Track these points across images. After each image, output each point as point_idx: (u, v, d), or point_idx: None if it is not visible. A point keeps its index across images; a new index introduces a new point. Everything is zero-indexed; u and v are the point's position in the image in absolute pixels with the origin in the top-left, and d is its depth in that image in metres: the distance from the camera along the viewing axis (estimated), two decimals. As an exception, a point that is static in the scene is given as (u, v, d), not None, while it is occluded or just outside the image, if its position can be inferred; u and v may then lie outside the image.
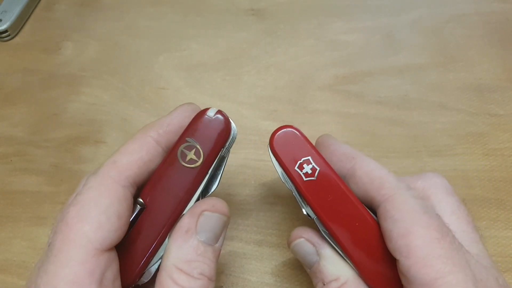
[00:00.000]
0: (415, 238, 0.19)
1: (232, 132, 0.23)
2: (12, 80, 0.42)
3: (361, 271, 0.21)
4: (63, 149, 0.37)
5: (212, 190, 0.23)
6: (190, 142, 0.22)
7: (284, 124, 0.23)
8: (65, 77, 0.42)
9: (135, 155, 0.21)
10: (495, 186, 0.32)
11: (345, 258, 0.22)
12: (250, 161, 0.34)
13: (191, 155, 0.22)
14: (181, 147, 0.22)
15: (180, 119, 0.23)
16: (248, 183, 0.33)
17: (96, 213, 0.19)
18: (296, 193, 0.23)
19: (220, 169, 0.23)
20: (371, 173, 0.22)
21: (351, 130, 0.35)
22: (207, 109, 0.23)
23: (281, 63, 0.40)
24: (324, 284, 0.22)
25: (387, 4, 0.43)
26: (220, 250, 0.22)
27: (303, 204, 0.23)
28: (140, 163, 0.21)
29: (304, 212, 0.23)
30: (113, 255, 0.20)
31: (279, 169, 0.23)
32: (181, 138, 0.22)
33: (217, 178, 0.23)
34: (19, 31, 0.46)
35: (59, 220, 0.19)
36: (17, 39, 0.46)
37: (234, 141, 0.23)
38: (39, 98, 0.41)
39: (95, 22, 0.46)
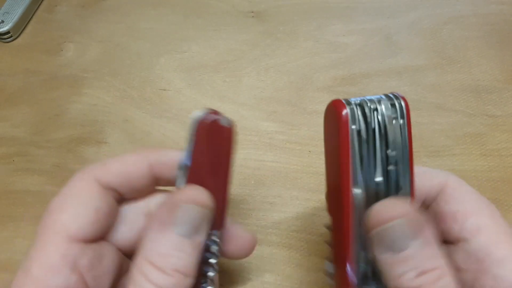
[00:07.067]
0: (485, 216, 0.19)
1: None
2: (14, 81, 0.43)
3: None
4: (65, 149, 0.37)
5: None
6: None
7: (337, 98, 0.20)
8: (67, 78, 0.42)
9: (126, 167, 0.22)
10: (493, 186, 0.32)
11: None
12: (249, 161, 0.35)
13: None
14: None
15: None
16: (248, 183, 0.33)
17: (75, 204, 0.20)
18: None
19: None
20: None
21: (350, 130, 0.36)
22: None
23: (280, 65, 0.41)
24: (418, 274, 0.17)
25: (385, 6, 0.44)
26: (202, 243, 0.20)
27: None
28: (126, 176, 0.22)
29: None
30: (95, 247, 0.20)
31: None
32: None
33: None
34: (21, 32, 0.47)
35: (44, 211, 0.21)
36: (19, 40, 0.46)
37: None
38: (41, 99, 0.41)
39: (97, 23, 0.46)
